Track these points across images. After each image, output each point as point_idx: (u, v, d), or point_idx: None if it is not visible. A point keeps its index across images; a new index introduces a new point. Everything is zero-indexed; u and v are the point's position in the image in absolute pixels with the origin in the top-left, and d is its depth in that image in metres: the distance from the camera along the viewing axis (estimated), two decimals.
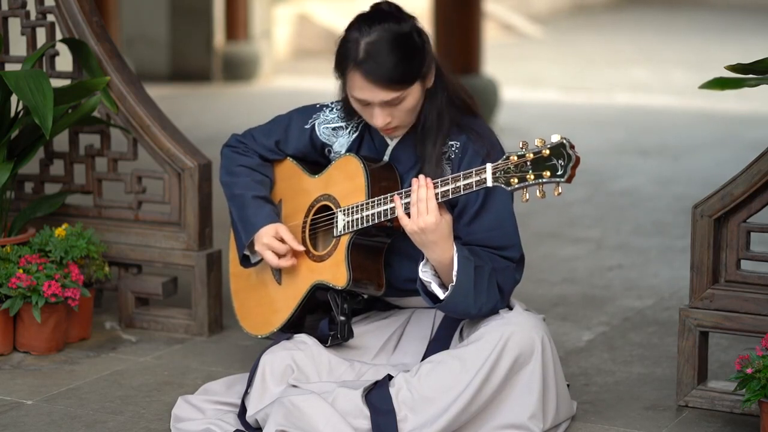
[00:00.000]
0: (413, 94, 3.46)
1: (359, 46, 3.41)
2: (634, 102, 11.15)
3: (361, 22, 3.46)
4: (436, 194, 3.33)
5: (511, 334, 3.38)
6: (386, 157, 3.62)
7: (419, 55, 3.45)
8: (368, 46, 3.40)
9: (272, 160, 3.84)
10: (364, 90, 3.43)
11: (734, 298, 3.73)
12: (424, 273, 3.45)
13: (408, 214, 3.37)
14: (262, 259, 3.76)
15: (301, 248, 3.65)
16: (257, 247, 3.69)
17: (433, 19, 9.20)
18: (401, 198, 3.40)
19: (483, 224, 3.48)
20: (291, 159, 3.80)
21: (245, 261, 3.81)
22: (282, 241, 3.65)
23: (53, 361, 4.22)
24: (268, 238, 3.65)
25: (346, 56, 3.44)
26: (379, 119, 3.46)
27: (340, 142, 3.71)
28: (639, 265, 5.57)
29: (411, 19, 3.49)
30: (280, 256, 3.65)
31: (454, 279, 3.38)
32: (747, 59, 3.55)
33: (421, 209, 3.33)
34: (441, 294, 3.42)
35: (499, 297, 3.46)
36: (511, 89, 10.86)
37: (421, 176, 3.37)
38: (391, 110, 3.46)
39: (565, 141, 3.14)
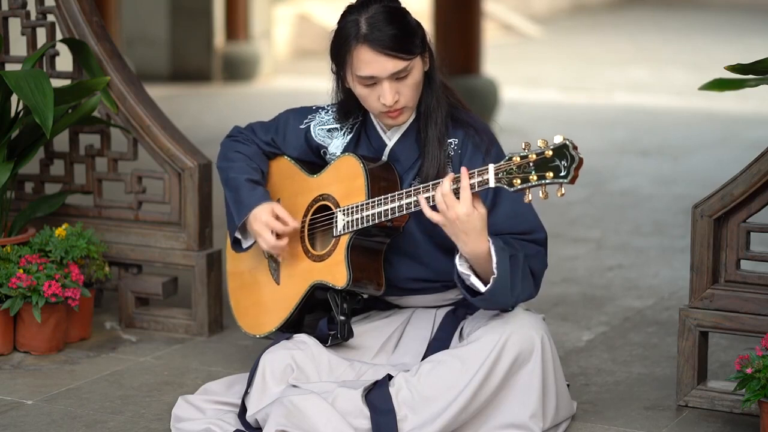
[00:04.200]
0: (417, 68, 3.49)
1: (360, 22, 3.46)
2: (634, 102, 11.15)
3: (352, 7, 3.52)
4: (437, 195, 3.32)
5: (511, 333, 3.39)
6: (384, 157, 3.62)
7: (416, 28, 3.51)
8: (370, 19, 3.45)
9: (269, 155, 3.84)
10: (371, 64, 3.44)
11: (734, 298, 3.73)
12: (461, 266, 3.42)
13: (433, 208, 3.34)
14: (253, 244, 3.75)
15: (297, 224, 3.63)
16: (256, 227, 3.65)
17: (433, 19, 9.19)
18: (424, 192, 3.38)
19: (501, 213, 3.46)
20: (289, 158, 3.80)
21: (236, 245, 3.79)
22: (279, 219, 3.64)
23: (53, 361, 4.22)
24: (266, 216, 3.63)
25: (348, 36, 3.47)
26: (388, 95, 3.46)
27: (335, 144, 3.72)
28: (639, 265, 5.57)
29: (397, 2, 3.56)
30: (278, 236, 3.63)
31: (495, 271, 3.35)
32: (747, 59, 3.55)
33: (452, 200, 3.28)
34: (481, 287, 3.40)
35: (533, 284, 3.46)
36: (511, 89, 10.86)
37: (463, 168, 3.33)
38: (398, 86, 3.47)
39: (568, 142, 3.14)
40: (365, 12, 3.47)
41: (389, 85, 3.47)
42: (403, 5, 3.55)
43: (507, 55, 14.53)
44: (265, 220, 3.63)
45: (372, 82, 3.48)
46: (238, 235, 3.76)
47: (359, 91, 3.52)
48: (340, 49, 3.51)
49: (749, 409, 3.62)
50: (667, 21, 18.69)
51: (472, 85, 8.79)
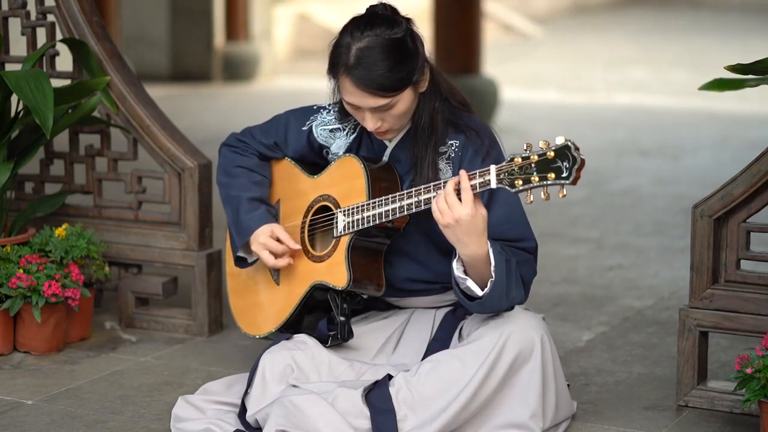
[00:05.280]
0: (404, 100, 3.45)
1: (350, 51, 3.41)
2: (634, 102, 11.15)
3: (353, 26, 3.46)
4: (439, 197, 3.32)
5: (511, 333, 3.39)
6: (385, 158, 3.62)
7: (411, 61, 3.44)
8: (359, 52, 3.40)
9: (271, 159, 3.84)
10: (354, 95, 3.43)
11: (734, 298, 3.73)
12: (458, 270, 3.42)
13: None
14: (256, 260, 3.76)
15: (298, 247, 3.65)
16: (254, 248, 3.69)
17: (433, 19, 9.19)
18: (425, 193, 3.38)
19: (494, 219, 3.44)
20: (290, 159, 3.80)
21: (240, 262, 3.80)
22: (278, 240, 3.65)
23: (53, 361, 4.22)
24: (264, 238, 3.65)
25: (338, 61, 3.44)
26: (369, 123, 3.47)
27: (338, 144, 3.71)
28: (639, 265, 5.58)
29: (405, 22, 3.47)
30: (276, 255, 3.65)
31: (493, 274, 3.35)
32: (747, 59, 3.55)
33: (454, 201, 3.28)
34: (478, 291, 3.40)
35: (523, 290, 3.46)
36: (511, 89, 10.86)
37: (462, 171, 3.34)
38: (381, 115, 3.46)
39: (569, 143, 3.13)
40: (359, 40, 3.41)
41: (371, 115, 3.46)
42: (402, 31, 3.44)
43: (507, 55, 14.53)
44: (263, 242, 3.65)
45: (356, 107, 3.47)
46: (241, 254, 3.77)
47: (347, 108, 3.52)
48: (332, 67, 3.49)
49: (749, 409, 3.62)
50: (667, 21, 18.69)
51: (472, 85, 8.78)
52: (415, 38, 3.47)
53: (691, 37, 16.41)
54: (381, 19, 3.44)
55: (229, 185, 3.78)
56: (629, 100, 11.25)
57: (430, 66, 3.52)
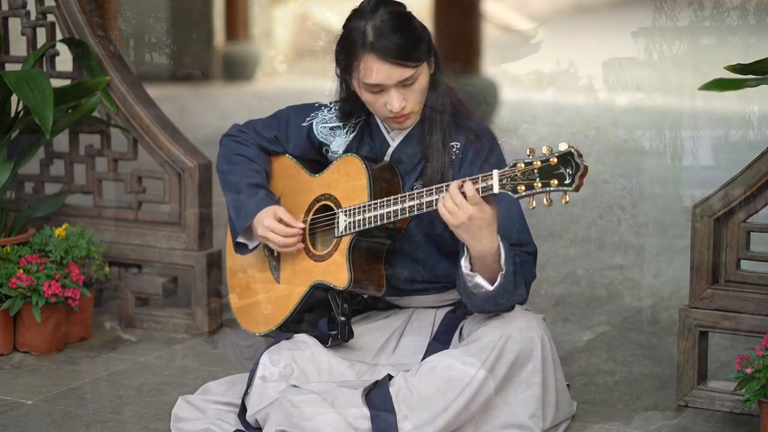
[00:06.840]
0: (423, 74, 3.48)
1: (367, 30, 3.43)
2: (634, 102, 11.14)
3: (359, 12, 3.49)
4: (440, 199, 3.31)
5: (511, 333, 3.39)
6: (387, 158, 3.62)
7: (422, 32, 3.50)
8: (376, 27, 3.43)
9: (271, 153, 3.84)
10: (379, 72, 3.43)
11: (734, 298, 3.73)
12: (466, 267, 3.41)
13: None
14: (258, 245, 3.74)
15: (302, 226, 3.63)
16: (259, 231, 3.66)
17: (433, 19, 9.20)
18: (427, 195, 3.37)
19: None
20: (291, 157, 3.80)
21: (241, 248, 3.79)
22: (282, 222, 3.64)
23: (53, 361, 4.22)
24: (268, 221, 3.64)
25: (354, 43, 3.45)
26: (395, 102, 3.45)
27: (338, 142, 3.71)
28: (639, 265, 5.57)
29: (401, 5, 3.54)
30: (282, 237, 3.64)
31: (503, 267, 3.34)
32: (747, 59, 3.55)
33: (462, 200, 3.26)
34: (488, 286, 3.38)
35: (524, 290, 3.46)
36: (511, 89, 10.84)
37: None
38: (405, 92, 3.46)
39: (573, 150, 3.13)
40: (371, 18, 3.45)
41: (396, 93, 3.46)
42: (408, 10, 3.52)
43: (507, 55, 14.52)
44: (268, 224, 3.64)
45: (379, 89, 3.47)
46: (241, 239, 3.76)
47: (366, 97, 3.51)
48: (347, 55, 3.49)
49: (749, 409, 3.62)
50: (667, 21, 18.67)
51: (472, 85, 8.79)
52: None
53: (691, 37, 16.40)
54: (383, 1, 3.49)
55: (229, 172, 3.78)
56: (629, 100, 11.23)
57: (434, 51, 3.55)
